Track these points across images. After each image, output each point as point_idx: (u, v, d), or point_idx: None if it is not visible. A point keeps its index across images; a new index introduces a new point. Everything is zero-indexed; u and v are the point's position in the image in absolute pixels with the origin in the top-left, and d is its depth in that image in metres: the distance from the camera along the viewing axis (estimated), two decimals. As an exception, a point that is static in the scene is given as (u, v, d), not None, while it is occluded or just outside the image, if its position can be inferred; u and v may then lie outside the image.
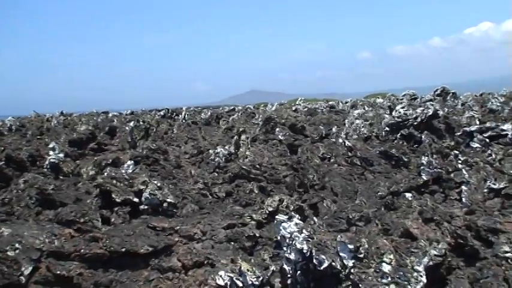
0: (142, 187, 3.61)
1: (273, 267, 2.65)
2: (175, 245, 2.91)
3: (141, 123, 6.50)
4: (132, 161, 4.51)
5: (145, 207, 3.54)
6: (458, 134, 5.18)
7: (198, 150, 5.73)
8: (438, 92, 10.65)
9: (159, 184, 3.69)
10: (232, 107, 12.12)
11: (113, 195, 3.53)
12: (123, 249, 2.72)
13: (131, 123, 6.62)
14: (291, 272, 2.41)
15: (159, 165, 4.71)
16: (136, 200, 3.55)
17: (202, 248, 2.93)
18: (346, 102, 11.92)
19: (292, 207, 3.45)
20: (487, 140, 4.76)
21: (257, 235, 3.07)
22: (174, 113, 10.55)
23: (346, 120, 6.56)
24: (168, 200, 3.61)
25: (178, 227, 3.11)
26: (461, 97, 10.46)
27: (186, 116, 9.67)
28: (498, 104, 8.52)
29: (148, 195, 3.55)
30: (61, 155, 5.12)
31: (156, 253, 2.81)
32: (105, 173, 4.15)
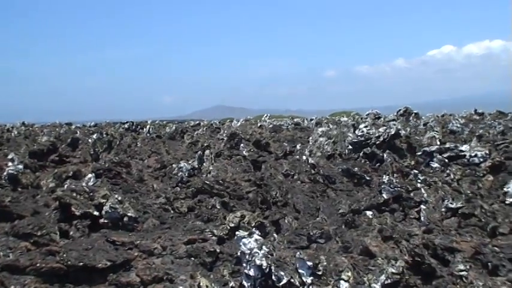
0: (103, 200, 3.56)
1: (232, 283, 2.65)
2: (134, 260, 2.87)
3: (104, 135, 6.42)
4: (94, 174, 4.44)
5: (106, 221, 3.48)
6: (419, 153, 5.28)
7: (162, 164, 5.68)
8: (401, 112, 10.87)
9: (120, 198, 3.65)
10: (197, 122, 12.09)
11: (73, 208, 3.47)
12: (81, 264, 2.67)
13: (94, 136, 6.53)
14: (250, 288, 2.40)
15: (121, 179, 4.65)
16: (96, 213, 3.49)
17: (161, 263, 2.90)
18: (311, 120, 12.02)
19: (254, 223, 3.45)
20: (446, 160, 4.87)
21: (218, 251, 3.06)
22: (139, 126, 10.46)
23: (310, 138, 6.61)
24: (129, 214, 3.56)
25: (138, 242, 3.08)
26: (423, 117, 10.69)
27: (150, 129, 9.60)
28: (458, 125, 8.75)
29: (108, 209, 3.50)
30: (20, 166, 5.00)
31: (114, 268, 2.77)
32: (65, 186, 4.08)
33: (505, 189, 3.82)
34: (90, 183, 4.15)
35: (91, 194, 3.58)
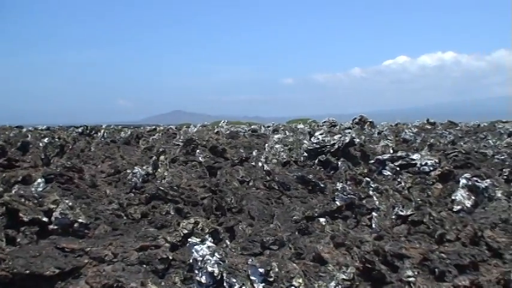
0: (52, 206, 3.48)
1: (183, 291, 2.63)
2: (84, 267, 2.83)
3: (56, 139, 6.28)
4: (44, 179, 4.34)
5: (55, 227, 3.41)
6: (372, 161, 5.38)
7: (115, 169, 5.60)
8: (356, 120, 11.04)
9: (71, 203, 3.58)
10: (153, 127, 11.94)
11: (21, 214, 3.38)
12: (27, 272, 2.61)
13: (45, 140, 6.38)
14: (201, 295, 2.39)
15: (73, 184, 4.56)
16: (45, 219, 3.41)
17: (112, 271, 2.86)
18: (268, 127, 12.06)
19: (208, 229, 3.45)
20: (398, 168, 4.97)
21: (170, 258, 3.04)
22: (93, 131, 10.26)
23: (266, 145, 6.63)
24: (80, 220, 3.50)
25: (88, 249, 3.03)
26: (378, 126, 10.89)
27: (105, 134, 9.43)
28: (411, 134, 8.95)
29: (58, 215, 3.42)
30: (-34, 170, 4.85)
31: (63, 275, 2.72)
32: (14, 191, 3.96)
33: (452, 197, 3.92)
34: (40, 189, 4.06)
35: (40, 199, 3.50)
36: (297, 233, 3.53)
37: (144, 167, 5.17)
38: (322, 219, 3.76)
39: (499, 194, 3.84)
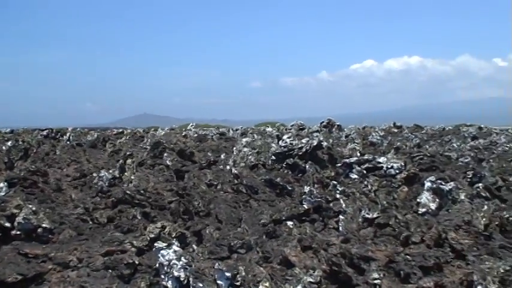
0: (15, 211, 3.40)
1: (149, 296, 2.60)
2: (48, 273, 2.77)
3: (20, 143, 6.15)
4: (7, 183, 4.25)
5: (18, 232, 3.33)
6: (339, 165, 5.41)
7: (81, 173, 5.51)
8: (324, 123, 11.10)
9: (34, 208, 3.50)
10: (121, 130, 11.77)
11: (-18, 220, 3.30)
12: (-12, 278, 2.54)
13: (9, 143, 6.25)
14: (168, 300, 2.37)
15: (37, 188, 4.48)
16: (8, 224, 3.33)
17: (77, 276, 2.82)
18: (237, 130, 12.02)
19: (175, 234, 3.42)
20: (365, 171, 5.02)
21: (136, 262, 3.01)
22: (59, 134, 10.05)
23: (235, 148, 6.62)
24: (44, 225, 3.43)
25: (52, 254, 2.98)
26: (345, 129, 10.97)
27: (70, 137, 9.27)
28: (378, 138, 9.06)
29: (21, 220, 3.35)
30: None
31: (26, 282, 2.66)
32: (-25, 196, 3.87)
33: (418, 199, 3.98)
34: (2, 193, 3.98)
35: (3, 204, 3.43)
36: (264, 236, 3.52)
37: (111, 171, 5.10)
38: (289, 223, 3.77)
39: (462, 196, 3.91)
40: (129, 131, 11.30)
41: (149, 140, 8.15)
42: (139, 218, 4.11)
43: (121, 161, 5.37)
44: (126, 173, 5.15)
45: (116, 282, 2.77)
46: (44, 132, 9.89)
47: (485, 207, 3.52)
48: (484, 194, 4.12)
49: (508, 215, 3.36)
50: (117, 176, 5.05)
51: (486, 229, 3.29)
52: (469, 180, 4.80)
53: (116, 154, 7.04)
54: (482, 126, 12.49)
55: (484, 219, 3.36)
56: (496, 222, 3.38)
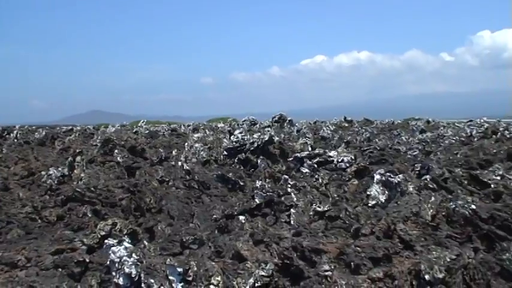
0: (-42, 211, 3.29)
1: (100, 294, 2.56)
2: (-6, 274, 2.68)
3: (-37, 141, 5.94)
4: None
5: (-39, 233, 3.22)
6: (291, 159, 5.46)
7: (29, 171, 5.37)
8: (276, 118, 11.20)
9: (-21, 208, 3.39)
10: (70, 127, 11.50)
11: None
12: None
13: (-48, 141, 6.02)
14: (118, 297, 2.34)
15: (-18, 188, 4.34)
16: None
17: (25, 276, 2.74)
18: (189, 126, 11.96)
19: (126, 231, 3.37)
20: (316, 165, 5.08)
21: (87, 260, 2.95)
22: (5, 132, 9.76)
23: (186, 144, 6.59)
24: (-11, 225, 3.32)
25: (0, 254, 2.89)
26: (297, 124, 11.09)
27: (18, 135, 9.02)
28: (329, 132, 9.20)
29: (-36, 220, 3.24)
30: None
31: (-29, 283, 2.57)
32: None
33: (368, 192, 4.05)
34: None
35: None
36: (216, 231, 3.52)
37: (60, 168, 5.00)
38: (241, 217, 3.77)
39: (410, 188, 4.01)
40: (78, 128, 11.05)
41: (99, 137, 8.00)
42: (89, 215, 4.04)
43: (70, 158, 5.25)
44: (75, 171, 5.05)
45: (66, 281, 2.71)
46: (-11, 131, 9.58)
47: (433, 198, 3.61)
48: (431, 186, 4.23)
49: (454, 206, 3.46)
50: (67, 173, 4.95)
51: (433, 220, 3.38)
52: (417, 172, 4.92)
53: (65, 152, 6.89)
54: (430, 119, 12.85)
55: (431, 211, 3.46)
56: (443, 213, 3.48)
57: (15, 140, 8.65)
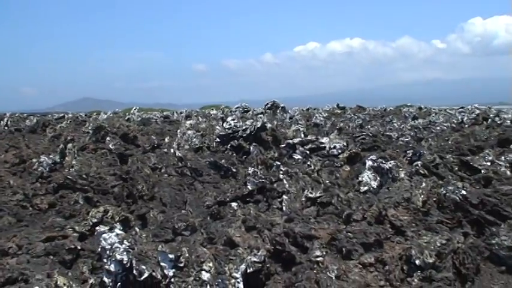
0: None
1: (92, 280, 2.57)
2: (-15, 262, 2.68)
3: (-47, 129, 5.90)
4: None
5: (-48, 221, 3.22)
6: (283, 146, 5.47)
7: (20, 159, 5.35)
8: (269, 105, 11.19)
9: (-31, 196, 3.39)
10: (62, 115, 11.45)
11: None
12: None
13: None
14: (111, 284, 2.35)
15: (-27, 176, 4.33)
16: None
17: (16, 263, 2.75)
18: (181, 113, 11.95)
19: (118, 218, 3.38)
20: (308, 152, 5.09)
21: (79, 248, 2.96)
22: (-4, 119, 9.73)
23: (179, 131, 6.58)
24: (-20, 213, 3.32)
25: (-10, 242, 2.89)
26: (289, 111, 11.10)
27: (8, 122, 8.98)
28: (322, 119, 9.22)
29: (-45, 208, 3.23)
30: None
31: (-38, 271, 2.57)
32: None
33: (359, 178, 4.07)
34: None
35: None
36: (209, 218, 3.53)
37: (51, 156, 4.99)
38: (234, 204, 3.78)
39: (402, 175, 4.02)
40: (70, 115, 11.00)
41: (91, 124, 7.97)
42: (81, 203, 4.05)
43: (62, 145, 5.23)
44: (67, 158, 5.03)
45: (57, 268, 2.72)
46: (-20, 118, 9.53)
47: (424, 184, 3.63)
48: (422, 172, 4.25)
49: (444, 191, 3.48)
50: (58, 161, 4.93)
51: (424, 205, 3.40)
52: (408, 158, 4.94)
53: (57, 139, 6.87)
54: (422, 106, 12.90)
55: (422, 196, 3.47)
56: (434, 199, 3.49)
57: (6, 128, 8.62)
